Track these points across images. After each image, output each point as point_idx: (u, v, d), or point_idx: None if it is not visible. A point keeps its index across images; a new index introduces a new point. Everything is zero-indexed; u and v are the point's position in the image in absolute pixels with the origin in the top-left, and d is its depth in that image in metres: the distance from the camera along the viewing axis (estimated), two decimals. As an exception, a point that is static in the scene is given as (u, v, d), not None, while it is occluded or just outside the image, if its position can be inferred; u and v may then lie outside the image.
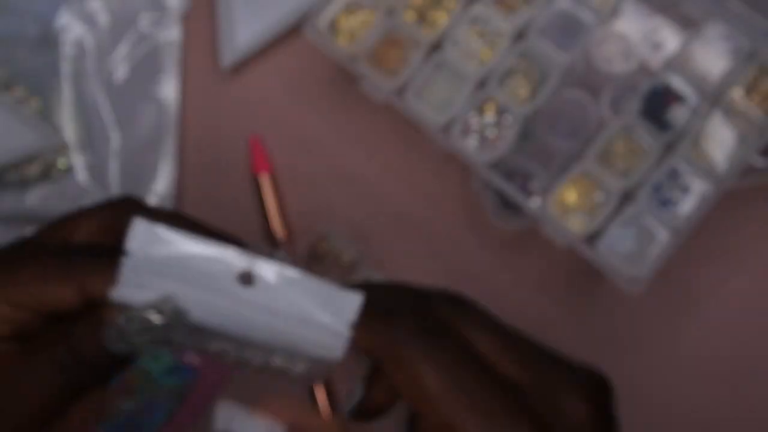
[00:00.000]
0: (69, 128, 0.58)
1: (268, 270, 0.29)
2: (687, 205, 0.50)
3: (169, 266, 0.29)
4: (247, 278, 0.29)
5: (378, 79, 0.52)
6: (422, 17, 0.53)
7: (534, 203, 0.52)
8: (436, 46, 0.53)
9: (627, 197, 0.52)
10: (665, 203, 0.51)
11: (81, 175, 0.58)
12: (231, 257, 0.29)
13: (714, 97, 0.51)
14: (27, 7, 0.58)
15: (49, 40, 0.58)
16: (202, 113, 0.60)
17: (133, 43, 0.59)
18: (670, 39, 0.54)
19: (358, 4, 0.53)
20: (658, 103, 0.51)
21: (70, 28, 0.59)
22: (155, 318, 0.28)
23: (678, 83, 0.51)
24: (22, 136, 0.56)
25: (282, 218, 0.58)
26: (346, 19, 0.53)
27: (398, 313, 0.29)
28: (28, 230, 0.58)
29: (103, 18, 0.59)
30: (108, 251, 0.29)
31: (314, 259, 0.57)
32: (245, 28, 0.59)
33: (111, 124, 0.59)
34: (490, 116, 0.52)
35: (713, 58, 0.51)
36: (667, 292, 0.57)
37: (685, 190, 0.51)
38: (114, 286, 0.29)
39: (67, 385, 0.30)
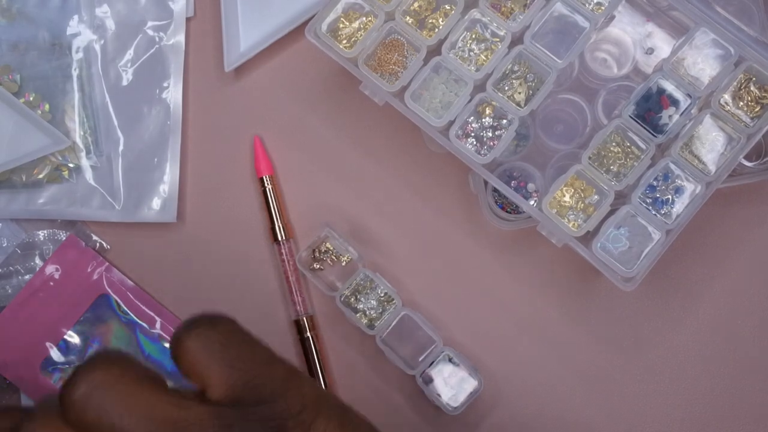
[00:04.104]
0: (77, 131, 0.59)
1: None
2: (679, 206, 0.51)
3: None
4: None
5: (378, 83, 0.53)
6: (421, 22, 0.54)
7: (531, 204, 0.53)
8: (434, 50, 0.53)
9: (621, 198, 0.52)
10: (658, 203, 0.51)
11: (89, 175, 0.59)
12: None
13: (704, 101, 0.52)
14: (39, 14, 0.59)
15: (60, 47, 0.59)
16: (206, 115, 0.60)
17: (140, 49, 0.60)
18: (663, 44, 0.55)
19: (358, 9, 0.54)
20: (651, 107, 0.52)
21: (81, 34, 0.59)
22: None
23: (670, 87, 0.52)
24: (33, 139, 0.57)
25: (283, 218, 0.58)
26: (347, 23, 0.54)
27: None
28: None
29: (111, 25, 0.59)
30: None
31: (314, 259, 0.58)
32: (248, 32, 0.60)
33: (118, 127, 0.59)
34: (487, 119, 0.53)
35: (703, 63, 0.52)
36: (660, 289, 0.57)
37: (677, 190, 0.52)
38: None
39: None
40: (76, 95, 0.59)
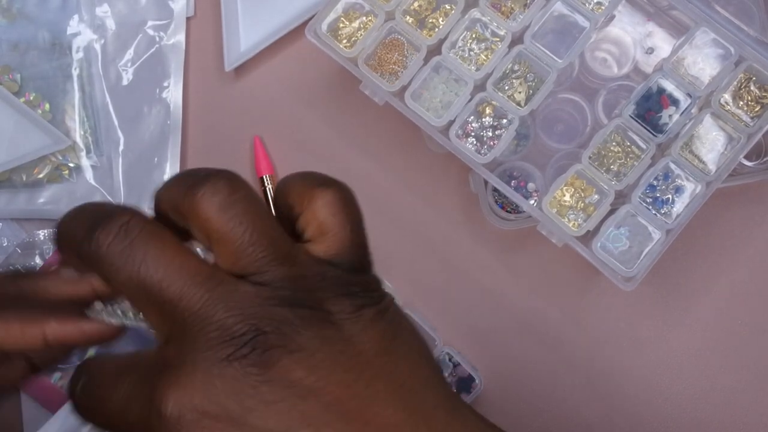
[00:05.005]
0: (78, 130, 0.59)
1: None
2: (679, 205, 0.51)
3: None
4: None
5: (378, 82, 0.53)
6: (421, 21, 0.54)
7: (531, 203, 0.53)
8: (434, 50, 0.53)
9: (621, 197, 0.52)
10: (658, 203, 0.51)
11: (89, 175, 0.59)
12: None
13: (704, 101, 0.52)
14: (40, 14, 0.59)
15: (60, 46, 0.59)
16: (206, 115, 0.60)
17: (140, 48, 0.60)
18: (663, 44, 0.55)
19: (358, 8, 0.54)
20: (651, 106, 0.52)
21: (81, 34, 0.59)
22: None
23: (670, 87, 0.52)
24: (34, 138, 0.57)
25: (284, 218, 0.58)
26: (347, 23, 0.54)
27: None
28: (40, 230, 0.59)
29: (111, 24, 0.59)
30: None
31: (315, 258, 0.58)
32: (248, 32, 0.60)
33: (118, 127, 0.59)
34: (487, 119, 0.53)
35: (703, 63, 0.52)
36: (660, 289, 0.57)
37: (677, 190, 0.51)
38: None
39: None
40: (77, 95, 0.59)
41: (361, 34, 0.53)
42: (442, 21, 0.53)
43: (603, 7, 0.53)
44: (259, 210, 0.30)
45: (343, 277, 0.31)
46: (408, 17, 0.53)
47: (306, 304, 0.29)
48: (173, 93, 0.59)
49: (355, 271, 0.31)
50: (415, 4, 0.54)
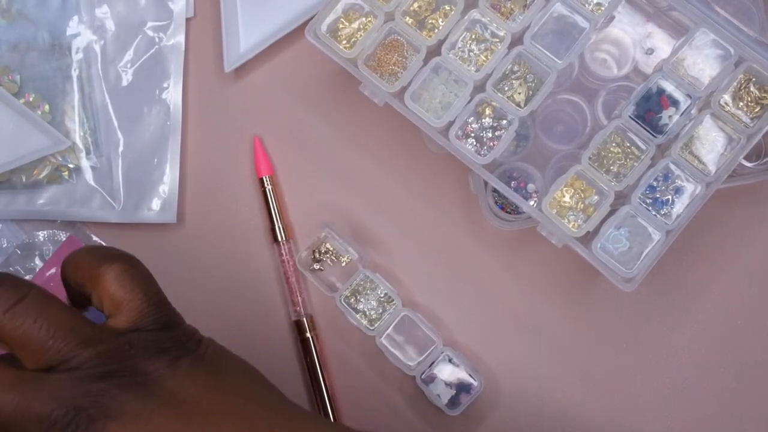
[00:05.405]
0: (77, 131, 0.59)
1: None
2: (679, 206, 0.51)
3: None
4: None
5: (377, 83, 0.53)
6: (420, 22, 0.54)
7: (531, 204, 0.53)
8: (434, 51, 0.53)
9: (621, 198, 0.52)
10: (658, 204, 0.51)
11: (89, 176, 0.59)
12: None
13: (704, 102, 0.52)
14: (39, 15, 0.59)
15: (59, 47, 0.59)
16: (206, 115, 0.60)
17: (140, 49, 0.60)
18: (663, 45, 0.55)
19: (357, 9, 0.54)
20: (650, 107, 0.52)
21: (80, 35, 0.59)
22: None
23: (670, 88, 0.52)
24: (33, 139, 0.57)
25: (283, 219, 0.58)
26: (346, 24, 0.54)
27: None
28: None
29: (111, 25, 0.60)
30: None
31: (314, 259, 0.58)
32: (248, 33, 0.60)
33: (118, 128, 0.59)
34: (487, 119, 0.53)
35: (703, 64, 0.52)
36: (660, 290, 0.58)
37: (677, 191, 0.52)
38: None
39: None
40: (76, 96, 0.59)
41: (360, 35, 0.53)
42: (442, 22, 0.53)
43: (603, 8, 0.53)
44: (50, 305, 0.31)
45: (151, 338, 0.33)
46: (407, 18, 0.53)
47: (120, 373, 0.30)
48: (173, 94, 0.59)
49: (164, 329, 0.34)
50: (415, 5, 0.54)
